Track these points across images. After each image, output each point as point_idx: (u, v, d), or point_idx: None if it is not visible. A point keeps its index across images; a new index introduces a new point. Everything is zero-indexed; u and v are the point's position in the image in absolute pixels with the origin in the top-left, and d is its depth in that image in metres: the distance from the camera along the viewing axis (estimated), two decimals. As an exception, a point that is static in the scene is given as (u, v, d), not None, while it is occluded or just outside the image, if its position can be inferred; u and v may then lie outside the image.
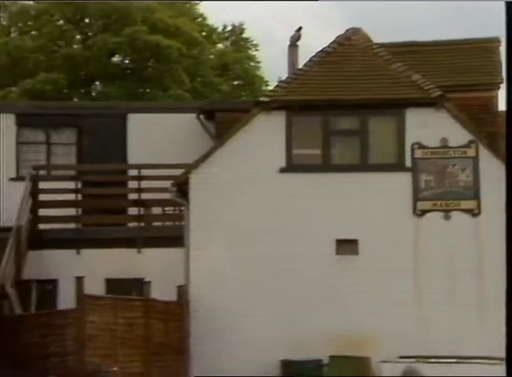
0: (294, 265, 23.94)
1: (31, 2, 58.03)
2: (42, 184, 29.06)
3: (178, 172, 25.61)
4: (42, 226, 28.82)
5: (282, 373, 23.23)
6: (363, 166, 24.82)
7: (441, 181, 24.27)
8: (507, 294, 2.98)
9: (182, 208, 25.80)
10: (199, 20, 59.71)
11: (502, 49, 16.84)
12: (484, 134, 24.33)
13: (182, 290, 24.53)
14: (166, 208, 28.55)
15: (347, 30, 26.30)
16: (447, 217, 24.09)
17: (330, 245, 24.30)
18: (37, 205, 28.74)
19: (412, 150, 24.31)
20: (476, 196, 24.05)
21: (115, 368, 21.78)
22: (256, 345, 23.25)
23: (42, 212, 28.95)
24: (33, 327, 24.44)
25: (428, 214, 24.26)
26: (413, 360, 22.83)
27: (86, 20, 56.98)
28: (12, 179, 29.59)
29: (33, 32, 56.85)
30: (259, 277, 24.02)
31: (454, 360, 21.78)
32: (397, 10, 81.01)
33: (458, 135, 24.15)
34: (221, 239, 24.49)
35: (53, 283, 27.89)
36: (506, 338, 3.12)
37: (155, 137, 29.60)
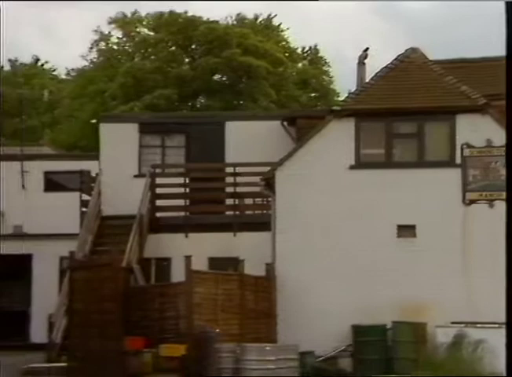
0: (362, 246, 24.01)
1: (151, 33, 59.08)
2: (159, 180, 29.60)
3: (266, 169, 25.79)
4: (158, 214, 29.23)
5: (353, 336, 23.34)
6: (420, 163, 24.79)
7: (486, 175, 24.12)
8: (507, 294, 2.57)
9: (269, 199, 25.93)
10: (283, 43, 59.97)
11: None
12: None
13: (269, 267, 24.74)
14: (256, 199, 28.59)
15: (406, 49, 26.26)
16: (491, 206, 23.89)
17: (392, 229, 24.29)
18: (154, 197, 29.28)
19: (461, 149, 24.22)
20: (516, 187, 23.80)
21: (217, 330, 21.98)
22: (331, 312, 23.32)
23: (159, 202, 29.39)
24: (153, 296, 24.83)
25: (475, 203, 24.12)
26: (463, 325, 22.84)
27: (193, 46, 58.01)
28: (135, 176, 29.97)
29: (151, 57, 57.64)
30: (333, 256, 24.09)
31: (497, 325, 21.59)
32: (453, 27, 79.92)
33: (500, 136, 23.91)
34: (301, 225, 24.59)
35: (167, 260, 28.26)
36: (506, 338, 2.59)
37: (247, 140, 29.73)
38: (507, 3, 3.98)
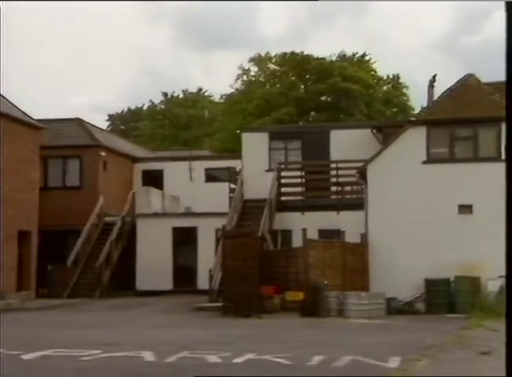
0: (432, 221, 23.49)
1: (278, 67, 59.64)
2: (283, 174, 29.65)
3: (360, 164, 25.44)
4: (283, 198, 29.26)
5: (425, 287, 23.00)
6: (475, 158, 24.11)
7: (524, 167, 23.26)
8: (507, 294, 2.13)
9: (362, 186, 25.52)
10: (372, 72, 59.52)
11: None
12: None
13: (363, 236, 24.52)
14: (353, 186, 28.29)
15: (464, 75, 25.79)
16: (527, 190, 23.01)
17: (455, 208, 23.68)
18: (280, 186, 29.30)
19: (505, 148, 23.27)
20: (548, 177, 22.92)
21: (326, 282, 22.05)
22: (409, 269, 22.93)
23: (283, 190, 29.42)
24: (280, 257, 25.28)
25: (516, 189, 23.29)
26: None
27: (307, 76, 57.89)
28: (266, 170, 29.92)
29: (277, 85, 57.94)
30: (411, 227, 23.63)
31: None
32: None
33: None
34: (386, 205, 24.14)
35: (289, 232, 28.30)
36: (506, 337, 2.12)
37: (346, 143, 29.57)
38: (507, 3, 3.28)
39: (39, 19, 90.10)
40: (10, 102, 32.29)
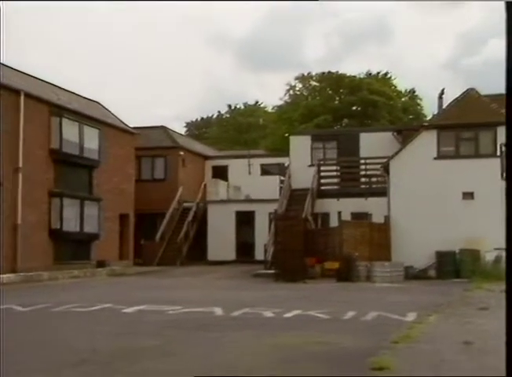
0: (441, 205, 23.23)
1: (317, 84, 58.96)
2: (322, 168, 29.33)
3: (383, 160, 25.15)
4: (322, 187, 28.90)
5: (436, 257, 22.75)
6: (476, 155, 23.66)
7: (516, 161, 22.75)
8: (507, 294, 1.81)
9: (385, 178, 25.26)
10: (393, 87, 58.59)
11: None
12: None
13: (386, 218, 24.32)
14: (378, 178, 27.87)
15: (467, 89, 25.33)
16: (519, 180, 22.51)
17: (459, 195, 23.37)
18: (320, 177, 28.99)
19: (500, 147, 22.90)
20: (534, 169, 22.36)
21: (356, 254, 21.96)
22: (423, 243, 22.74)
23: (322, 181, 29.11)
24: (320, 235, 25.15)
25: (509, 179, 22.80)
26: (502, 249, 21.60)
27: (341, 90, 57.08)
28: (309, 165, 29.53)
29: (317, 98, 57.57)
30: (424, 210, 23.36)
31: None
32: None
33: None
34: (405, 192, 23.82)
35: (327, 214, 28.11)
36: (506, 337, 2.05)
37: (372, 143, 29.23)
38: (507, 3, 2.72)
39: (139, 50, 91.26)
40: (112, 114, 32.92)
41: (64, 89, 30.18)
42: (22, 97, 24.30)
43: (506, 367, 1.97)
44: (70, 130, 26.84)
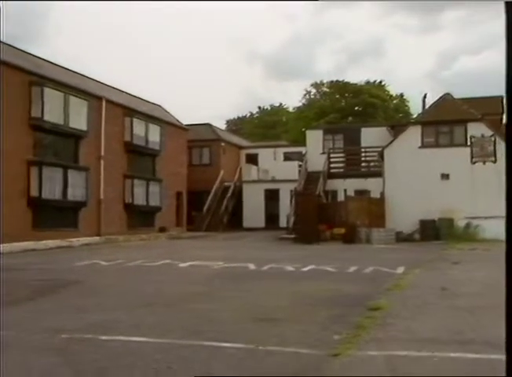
0: (424, 183, 22.67)
1: (328, 89, 58.07)
2: (332, 155, 28.91)
3: (379, 149, 24.74)
4: (331, 170, 28.50)
5: (420, 224, 22.38)
6: (451, 144, 22.95)
7: (481, 149, 22.17)
8: (507, 294, 1.35)
9: (381, 163, 24.89)
10: (386, 92, 57.29)
11: None
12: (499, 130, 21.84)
13: (382, 194, 23.88)
14: (375, 163, 27.48)
15: (444, 94, 24.47)
16: (484, 164, 22.00)
17: (438, 175, 22.77)
18: (330, 162, 28.57)
19: (470, 138, 22.37)
20: (495, 155, 21.77)
21: (358, 222, 21.86)
22: (410, 213, 22.31)
23: (332, 165, 28.66)
24: (330, 207, 24.83)
25: (477, 163, 22.25)
26: (470, 218, 21.35)
27: (346, 94, 56.05)
28: (321, 153, 29.18)
29: (328, 100, 56.71)
30: (411, 188, 22.83)
31: (487, 217, 20.05)
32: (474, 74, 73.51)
33: (489, 132, 21.95)
34: (396, 174, 23.31)
35: (335, 191, 27.83)
36: (506, 337, 1.56)
37: (370, 136, 28.86)
38: (507, 3, 1.97)
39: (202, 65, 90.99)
40: (170, 114, 33.11)
41: (134, 96, 30.47)
42: (104, 103, 24.72)
43: (506, 367, 1.55)
44: (138, 127, 27.31)
